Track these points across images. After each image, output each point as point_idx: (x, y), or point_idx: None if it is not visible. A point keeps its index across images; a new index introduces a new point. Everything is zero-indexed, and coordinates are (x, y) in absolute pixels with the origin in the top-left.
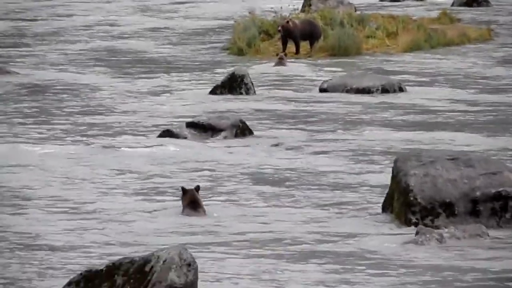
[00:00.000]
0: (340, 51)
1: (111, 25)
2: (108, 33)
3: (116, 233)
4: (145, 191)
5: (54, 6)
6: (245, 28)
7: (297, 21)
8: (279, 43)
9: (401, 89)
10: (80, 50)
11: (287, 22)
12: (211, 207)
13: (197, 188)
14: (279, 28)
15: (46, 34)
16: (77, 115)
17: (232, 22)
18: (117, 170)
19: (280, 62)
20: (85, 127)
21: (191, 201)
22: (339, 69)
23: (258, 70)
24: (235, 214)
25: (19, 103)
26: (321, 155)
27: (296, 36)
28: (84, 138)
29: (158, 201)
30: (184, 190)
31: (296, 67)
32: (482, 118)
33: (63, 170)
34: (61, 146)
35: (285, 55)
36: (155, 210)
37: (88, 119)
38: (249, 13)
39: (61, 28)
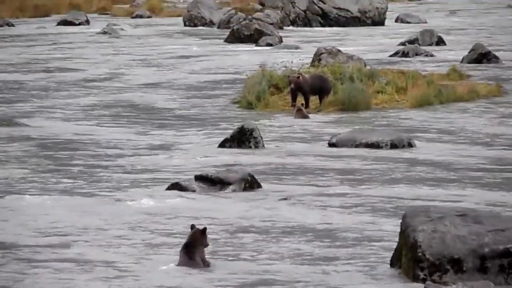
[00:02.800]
0: (349, 106)
1: (120, 77)
2: (117, 85)
3: (115, 283)
4: (143, 244)
5: (64, 59)
6: (255, 82)
7: (307, 76)
8: (289, 97)
9: (410, 145)
10: (89, 103)
11: (298, 76)
12: (215, 261)
13: (203, 230)
14: (291, 84)
15: (53, 87)
16: (85, 168)
17: (240, 76)
18: (123, 223)
19: (300, 113)
20: (93, 180)
21: (186, 245)
22: (348, 124)
23: (275, 123)
24: (236, 268)
25: (26, 153)
26: (329, 209)
27: (306, 91)
28: (92, 191)
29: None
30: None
31: (305, 122)
32: (491, 174)
33: (70, 221)
34: (68, 197)
35: (303, 105)
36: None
37: (95, 171)
38: (260, 67)
39: (70, 80)
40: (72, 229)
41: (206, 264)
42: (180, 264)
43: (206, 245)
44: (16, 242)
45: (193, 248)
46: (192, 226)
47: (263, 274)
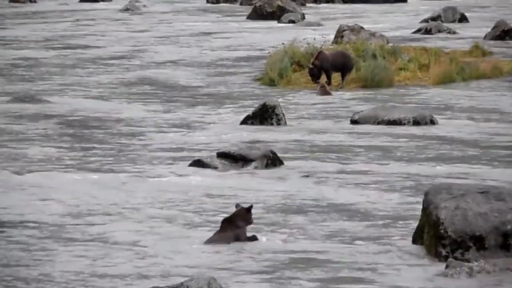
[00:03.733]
0: (372, 83)
1: (141, 55)
2: (138, 63)
3: (145, 263)
4: (171, 219)
5: (85, 35)
6: (277, 59)
7: (327, 53)
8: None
9: (432, 122)
10: (110, 80)
11: (319, 52)
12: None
13: (249, 209)
14: (311, 65)
15: (75, 64)
16: (107, 143)
17: (263, 53)
18: (147, 198)
19: (324, 90)
20: (118, 156)
21: (224, 220)
22: (371, 101)
23: (298, 100)
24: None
25: (50, 130)
26: (351, 186)
27: (328, 68)
28: (116, 167)
29: (188, 229)
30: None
31: (327, 99)
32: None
33: (92, 196)
34: (93, 173)
35: (328, 83)
36: (187, 237)
37: (121, 147)
38: (283, 43)
39: (91, 58)
40: (98, 207)
41: (242, 239)
42: (210, 240)
43: (250, 222)
44: (42, 219)
45: (230, 224)
46: (237, 205)
47: (291, 253)
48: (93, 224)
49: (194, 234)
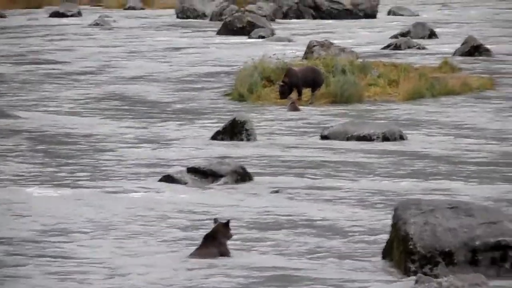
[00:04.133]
0: (341, 98)
1: (111, 70)
2: (108, 78)
3: (119, 280)
4: (143, 235)
5: (55, 50)
6: (247, 74)
7: (296, 69)
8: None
9: (402, 137)
10: (80, 95)
11: (288, 69)
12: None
13: (227, 223)
14: (281, 82)
15: (46, 78)
16: (77, 159)
17: (232, 68)
18: (117, 214)
19: (293, 106)
20: (89, 172)
21: (206, 236)
22: (341, 117)
23: (268, 115)
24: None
25: (19, 145)
26: (322, 202)
27: (298, 84)
28: (87, 183)
29: (160, 245)
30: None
31: (297, 114)
32: (483, 167)
33: (64, 213)
34: (59, 189)
35: (298, 99)
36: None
37: (88, 163)
38: (252, 59)
39: (61, 73)
40: (70, 223)
41: (227, 255)
42: (193, 254)
43: (230, 237)
44: (15, 235)
45: (213, 240)
46: (215, 220)
47: (265, 270)
48: (66, 242)
49: (167, 249)
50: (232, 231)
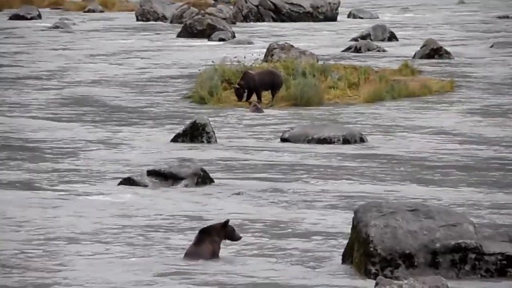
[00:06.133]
0: (302, 101)
1: (71, 72)
2: (68, 80)
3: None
4: (105, 239)
5: (14, 53)
6: (207, 77)
7: (253, 72)
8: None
9: (362, 140)
10: (39, 98)
11: (245, 72)
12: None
13: (224, 224)
14: (236, 85)
15: (2, 82)
16: (37, 162)
17: (193, 71)
18: (74, 216)
19: (256, 108)
20: (49, 175)
21: (200, 230)
22: (301, 119)
23: (229, 118)
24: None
25: None
26: (281, 204)
27: (256, 87)
28: (43, 185)
29: (124, 247)
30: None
31: (258, 117)
32: (443, 169)
33: (18, 214)
34: (17, 191)
35: (259, 101)
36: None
37: (47, 165)
38: (213, 62)
39: (20, 76)
40: (30, 226)
41: (215, 255)
42: (188, 253)
43: (223, 237)
44: None
45: (207, 236)
46: (227, 221)
47: (214, 273)
48: (31, 246)
49: (134, 252)
50: (240, 235)
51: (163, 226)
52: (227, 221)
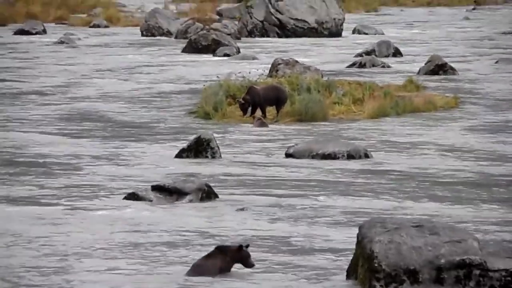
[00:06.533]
0: (306, 116)
1: (76, 88)
2: (73, 96)
3: None
4: (109, 252)
5: (19, 68)
6: (212, 92)
7: (258, 87)
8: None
9: (366, 156)
10: (44, 113)
11: (250, 87)
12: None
13: (238, 248)
14: (241, 100)
15: (7, 97)
16: (41, 178)
17: (197, 86)
18: (79, 232)
19: (261, 122)
20: (54, 190)
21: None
22: (305, 135)
23: (233, 134)
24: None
25: None
26: (285, 220)
27: (261, 103)
28: (48, 200)
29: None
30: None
31: (262, 132)
32: (449, 186)
33: (23, 230)
34: (23, 207)
35: (263, 116)
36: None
37: (52, 181)
38: (217, 77)
39: (25, 91)
40: (34, 241)
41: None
42: (196, 265)
43: (236, 260)
44: None
45: (221, 254)
46: (247, 245)
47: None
48: (41, 262)
49: (141, 268)
50: (252, 259)
51: (170, 242)
52: (241, 245)
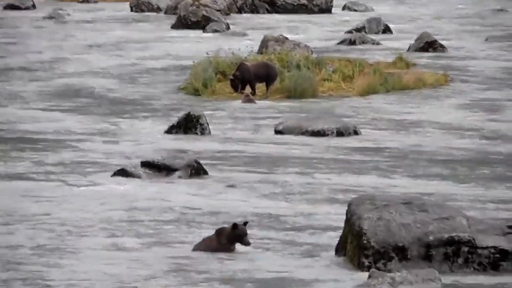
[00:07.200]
0: (296, 93)
1: (65, 63)
2: (61, 71)
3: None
4: (101, 228)
5: (7, 43)
6: (201, 69)
7: (249, 64)
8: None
9: (356, 133)
10: (32, 89)
11: (240, 64)
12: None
13: (233, 226)
14: (232, 76)
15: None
16: (30, 153)
17: (187, 62)
18: (71, 208)
19: (248, 98)
20: (40, 166)
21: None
22: (295, 111)
23: (224, 110)
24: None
25: None
26: (275, 196)
27: (250, 79)
28: (38, 176)
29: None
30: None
31: (252, 109)
32: (438, 163)
33: (9, 205)
34: (11, 182)
35: (252, 94)
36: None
37: (42, 157)
38: (207, 53)
39: (13, 66)
40: (14, 215)
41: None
42: (198, 244)
43: (231, 239)
44: None
45: (218, 236)
46: (245, 223)
47: (209, 265)
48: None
49: (137, 246)
50: (247, 237)
51: (160, 219)
52: (235, 224)
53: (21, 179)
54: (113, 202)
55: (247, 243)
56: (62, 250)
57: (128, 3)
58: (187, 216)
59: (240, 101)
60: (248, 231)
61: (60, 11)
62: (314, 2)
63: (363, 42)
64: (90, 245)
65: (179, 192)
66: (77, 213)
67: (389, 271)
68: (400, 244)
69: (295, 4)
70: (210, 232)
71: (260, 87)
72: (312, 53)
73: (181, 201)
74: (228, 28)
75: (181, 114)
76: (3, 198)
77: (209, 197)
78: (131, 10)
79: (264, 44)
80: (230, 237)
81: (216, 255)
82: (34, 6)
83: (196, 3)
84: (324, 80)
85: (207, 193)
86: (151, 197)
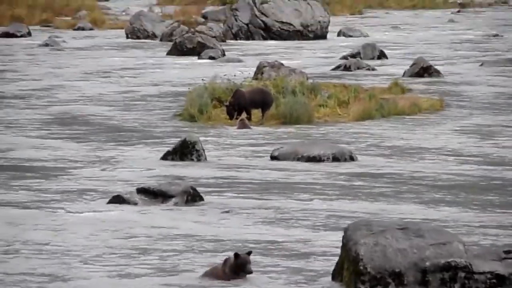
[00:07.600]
0: (291, 119)
1: (61, 90)
2: (57, 98)
3: None
4: (94, 257)
5: (3, 71)
6: (197, 95)
7: (244, 90)
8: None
9: (352, 158)
10: (29, 116)
11: (236, 91)
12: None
13: (235, 256)
14: (227, 103)
15: None
16: (25, 181)
17: (182, 89)
18: (65, 235)
19: (243, 124)
20: (39, 192)
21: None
22: (290, 138)
23: (218, 136)
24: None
25: None
26: (271, 222)
27: (246, 105)
28: (37, 204)
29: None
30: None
31: (247, 135)
32: (434, 188)
33: (11, 234)
34: (8, 210)
35: (249, 119)
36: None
37: (37, 183)
38: (203, 80)
39: (9, 94)
40: (12, 243)
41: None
42: (206, 272)
43: (233, 270)
44: None
45: (223, 265)
46: (249, 253)
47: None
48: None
49: (128, 271)
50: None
51: (156, 246)
52: (237, 254)
53: (14, 207)
54: (111, 229)
55: (249, 272)
56: (66, 278)
57: (124, 30)
58: (189, 243)
59: (235, 127)
60: (252, 258)
61: (56, 38)
62: (310, 29)
63: (358, 68)
64: (92, 273)
65: (177, 219)
66: (78, 240)
67: None
68: (397, 270)
69: (291, 30)
70: (214, 259)
71: (256, 113)
72: (307, 79)
73: (182, 228)
74: (224, 54)
75: (177, 140)
76: (2, 226)
77: (208, 224)
78: (127, 37)
79: (260, 70)
80: (232, 267)
81: (221, 282)
82: (29, 34)
83: (192, 30)
84: (320, 105)
85: (206, 220)
86: (150, 224)
